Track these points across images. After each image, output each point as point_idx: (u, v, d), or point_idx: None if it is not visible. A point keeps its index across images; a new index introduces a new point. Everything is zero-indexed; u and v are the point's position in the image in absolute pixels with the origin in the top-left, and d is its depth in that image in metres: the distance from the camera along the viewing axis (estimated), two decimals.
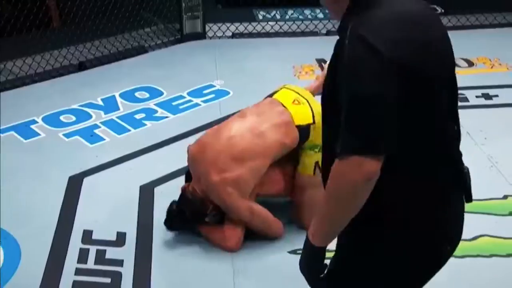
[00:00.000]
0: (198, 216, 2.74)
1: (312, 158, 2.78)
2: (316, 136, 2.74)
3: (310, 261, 1.56)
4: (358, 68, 1.35)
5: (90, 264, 2.70)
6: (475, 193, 3.23)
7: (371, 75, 1.33)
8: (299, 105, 2.80)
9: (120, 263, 2.70)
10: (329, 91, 1.48)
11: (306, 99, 2.83)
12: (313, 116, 2.77)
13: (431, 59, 1.42)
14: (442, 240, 1.58)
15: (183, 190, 2.81)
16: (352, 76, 1.35)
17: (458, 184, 1.59)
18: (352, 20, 1.40)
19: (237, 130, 2.71)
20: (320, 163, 2.74)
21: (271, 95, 2.91)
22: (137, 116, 3.98)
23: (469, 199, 1.63)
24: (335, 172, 1.39)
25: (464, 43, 5.00)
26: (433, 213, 1.52)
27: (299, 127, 2.74)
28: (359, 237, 1.52)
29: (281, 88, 2.94)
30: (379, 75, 1.33)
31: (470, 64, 4.67)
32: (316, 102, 2.86)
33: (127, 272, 2.65)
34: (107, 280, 2.62)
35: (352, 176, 1.35)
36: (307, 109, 2.80)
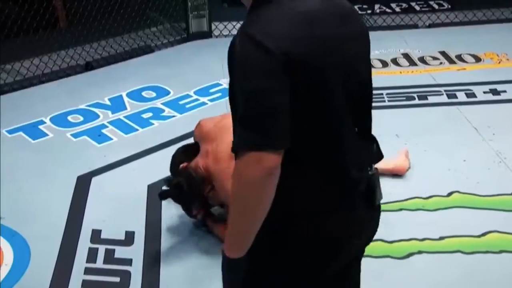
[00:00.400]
0: (195, 194, 2.70)
1: None
2: None
3: (229, 274, 1.55)
4: (246, 65, 1.35)
5: (99, 263, 2.71)
6: (484, 189, 3.25)
7: (259, 72, 1.33)
8: None
9: (129, 262, 2.71)
10: (229, 91, 1.47)
11: None
12: None
13: (328, 57, 1.40)
14: (345, 238, 1.54)
15: (184, 167, 2.77)
16: (241, 73, 1.36)
17: (358, 187, 1.52)
18: (249, 16, 1.42)
19: None
20: None
21: None
22: (144, 116, 3.99)
23: (371, 203, 1.56)
24: (234, 171, 1.37)
25: (471, 39, 4.99)
26: (334, 213, 1.49)
27: None
28: (267, 236, 1.50)
29: None
30: (267, 71, 1.33)
31: (478, 59, 4.65)
32: None
33: (136, 271, 2.66)
34: (116, 279, 2.62)
35: (251, 172, 1.33)
36: None
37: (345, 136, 1.47)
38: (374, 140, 1.60)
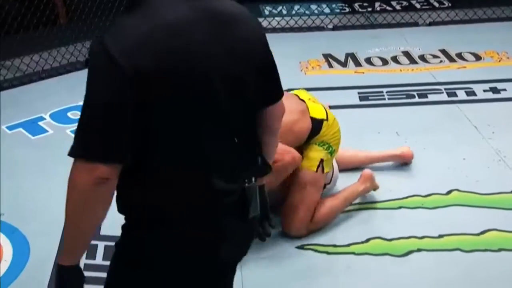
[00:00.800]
0: None
1: (319, 153, 2.76)
2: (326, 134, 2.76)
3: (59, 284, 1.51)
4: (93, 74, 1.35)
5: (99, 259, 2.72)
6: (484, 187, 3.25)
7: (104, 85, 1.33)
8: (315, 103, 2.84)
9: None
10: None
11: (318, 101, 2.87)
12: (327, 114, 2.80)
13: (190, 71, 1.37)
14: (208, 250, 1.52)
15: None
16: (88, 80, 1.36)
17: (227, 199, 1.49)
18: (116, 21, 1.42)
19: None
20: (325, 163, 2.74)
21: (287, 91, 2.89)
22: None
23: (244, 216, 1.54)
24: (69, 178, 1.38)
25: (471, 37, 4.99)
26: (195, 223, 1.47)
27: (312, 119, 2.74)
28: (126, 247, 1.53)
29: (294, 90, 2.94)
30: (112, 85, 1.32)
31: (478, 58, 4.65)
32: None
33: None
34: None
35: (82, 179, 1.35)
36: (321, 106, 2.84)
37: (210, 148, 1.44)
38: (258, 152, 1.58)
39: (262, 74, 1.52)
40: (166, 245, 1.48)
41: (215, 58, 1.41)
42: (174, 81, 1.36)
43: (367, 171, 3.01)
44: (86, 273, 2.69)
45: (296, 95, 2.85)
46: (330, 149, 2.78)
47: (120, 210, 1.53)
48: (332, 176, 2.96)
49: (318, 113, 2.78)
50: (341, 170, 3.12)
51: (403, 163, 3.31)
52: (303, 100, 2.81)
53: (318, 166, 2.75)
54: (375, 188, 3.00)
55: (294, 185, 2.75)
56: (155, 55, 1.33)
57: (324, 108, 2.85)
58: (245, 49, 1.47)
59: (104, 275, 2.60)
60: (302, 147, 2.77)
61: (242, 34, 1.47)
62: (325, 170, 2.78)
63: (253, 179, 1.54)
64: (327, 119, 2.78)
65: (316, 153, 2.76)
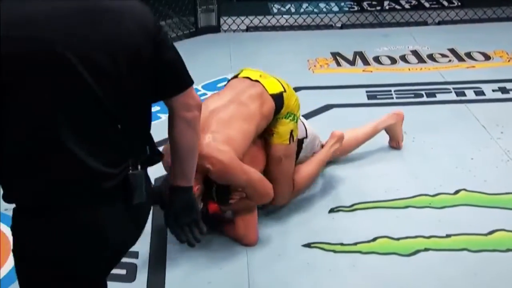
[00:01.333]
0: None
1: (287, 126, 2.79)
2: (289, 104, 2.78)
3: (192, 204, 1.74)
4: None
5: None
6: (492, 187, 3.24)
7: None
8: (266, 78, 2.83)
9: (135, 255, 2.71)
10: None
11: (268, 75, 2.87)
12: (282, 85, 2.81)
13: (37, 61, 1.39)
14: (87, 236, 1.54)
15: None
16: None
17: (106, 184, 1.51)
18: None
19: (218, 103, 2.68)
20: (294, 132, 2.81)
21: (235, 77, 2.89)
22: (152, 109, 3.98)
23: (129, 202, 1.56)
24: None
25: (481, 36, 4.97)
26: (72, 209, 1.50)
27: (273, 96, 2.75)
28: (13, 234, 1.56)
29: (241, 71, 2.92)
30: None
31: (487, 57, 4.63)
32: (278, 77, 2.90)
33: (142, 264, 2.67)
34: (123, 271, 2.63)
35: None
36: (274, 79, 2.83)
37: (70, 133, 1.45)
38: (146, 141, 1.62)
39: (144, 68, 1.53)
40: (46, 233, 1.50)
41: (82, 43, 1.42)
42: (29, 62, 1.38)
43: (336, 131, 3.12)
44: None
45: (247, 78, 2.81)
46: (295, 117, 2.83)
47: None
48: (306, 130, 3.00)
49: (275, 88, 2.78)
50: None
51: (395, 143, 3.39)
52: (256, 81, 2.80)
53: (290, 138, 2.79)
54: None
55: (270, 160, 2.79)
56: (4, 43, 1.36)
57: (277, 79, 2.84)
58: (125, 41, 1.48)
59: (115, 270, 2.63)
60: (270, 125, 2.77)
61: (121, 25, 1.47)
62: (295, 138, 2.83)
63: (139, 167, 1.57)
64: (285, 90, 2.79)
65: (285, 127, 2.78)
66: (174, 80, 1.63)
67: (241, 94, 2.72)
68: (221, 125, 2.58)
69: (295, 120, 2.83)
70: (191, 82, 1.66)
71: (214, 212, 2.79)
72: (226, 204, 2.66)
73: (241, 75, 2.87)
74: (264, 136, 2.80)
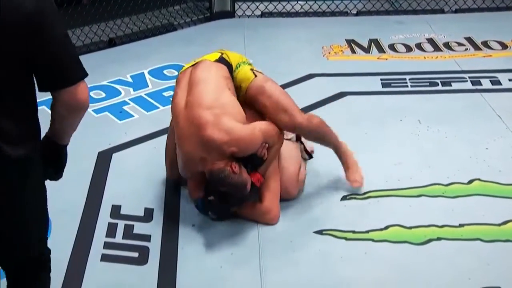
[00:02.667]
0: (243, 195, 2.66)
1: (244, 69, 2.86)
2: (234, 59, 2.90)
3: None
4: None
5: (118, 238, 2.74)
6: (506, 177, 3.21)
7: None
8: (201, 57, 2.92)
9: (147, 238, 2.74)
10: None
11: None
12: (218, 53, 2.92)
13: None
14: None
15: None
16: None
17: None
18: None
19: (184, 93, 2.75)
20: (252, 68, 2.89)
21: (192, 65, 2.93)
22: (166, 94, 3.99)
23: None
24: None
25: (498, 25, 4.91)
26: None
27: (216, 61, 2.85)
28: None
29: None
30: None
31: (504, 46, 4.57)
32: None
33: (155, 247, 2.69)
34: (135, 254, 2.65)
35: None
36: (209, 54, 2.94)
37: None
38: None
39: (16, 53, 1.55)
40: None
41: None
42: None
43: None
44: (106, 251, 2.75)
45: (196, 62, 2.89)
46: (245, 62, 2.93)
47: None
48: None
49: (214, 56, 2.89)
50: None
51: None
52: (194, 64, 2.87)
53: (252, 72, 2.86)
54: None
55: (260, 98, 2.82)
56: None
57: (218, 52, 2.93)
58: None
59: (123, 253, 2.66)
60: (233, 81, 2.85)
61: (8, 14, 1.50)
62: (255, 70, 2.90)
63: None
64: (222, 54, 2.90)
65: (243, 71, 2.86)
66: (50, 76, 1.64)
67: (197, 75, 2.79)
68: (206, 107, 2.64)
69: (247, 63, 2.93)
70: (75, 79, 1.68)
71: (260, 181, 2.72)
72: (262, 165, 2.70)
73: (181, 70, 2.94)
74: (238, 94, 2.85)
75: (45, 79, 1.65)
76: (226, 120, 2.62)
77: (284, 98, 2.85)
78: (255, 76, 2.85)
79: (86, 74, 1.71)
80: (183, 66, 2.99)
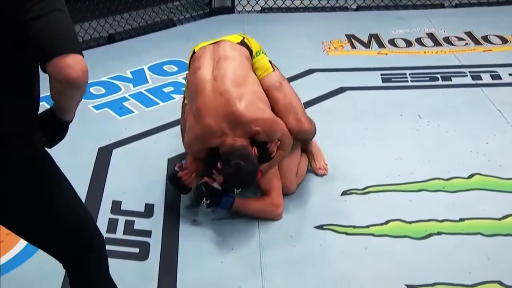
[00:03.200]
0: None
1: (263, 60, 2.89)
2: (255, 45, 2.94)
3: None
4: None
5: (119, 234, 2.75)
6: (506, 171, 3.22)
7: None
8: (223, 37, 2.95)
9: (148, 233, 2.74)
10: None
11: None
12: (240, 36, 2.94)
13: None
14: None
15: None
16: None
17: None
18: None
19: (209, 69, 2.74)
20: (271, 62, 2.92)
21: (193, 53, 2.95)
22: (166, 90, 3.99)
23: None
24: None
25: (498, 20, 4.91)
26: None
27: (239, 44, 2.87)
28: None
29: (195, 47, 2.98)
30: None
31: (504, 41, 4.57)
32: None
33: (155, 243, 2.69)
34: (136, 250, 2.66)
35: None
36: (234, 36, 2.97)
37: None
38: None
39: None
40: None
41: None
42: None
43: None
44: (107, 247, 2.74)
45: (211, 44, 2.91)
46: (264, 53, 2.95)
47: None
48: None
49: (236, 38, 2.92)
50: None
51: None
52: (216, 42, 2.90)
53: (272, 66, 2.89)
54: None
55: (272, 92, 2.80)
56: None
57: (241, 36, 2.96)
58: None
59: (124, 249, 2.66)
60: (251, 64, 2.88)
61: None
62: (276, 68, 2.92)
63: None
64: (244, 38, 2.93)
65: (262, 61, 2.88)
66: (40, 46, 1.61)
67: (225, 51, 2.81)
68: (235, 83, 2.65)
69: (266, 54, 2.96)
70: (63, 50, 1.64)
71: (258, 177, 2.73)
72: (269, 160, 2.71)
73: (197, 47, 2.95)
74: None
75: (34, 53, 1.63)
76: (256, 99, 2.67)
77: (296, 101, 2.87)
78: (273, 70, 2.89)
79: (77, 49, 1.68)
80: (198, 44, 2.98)
